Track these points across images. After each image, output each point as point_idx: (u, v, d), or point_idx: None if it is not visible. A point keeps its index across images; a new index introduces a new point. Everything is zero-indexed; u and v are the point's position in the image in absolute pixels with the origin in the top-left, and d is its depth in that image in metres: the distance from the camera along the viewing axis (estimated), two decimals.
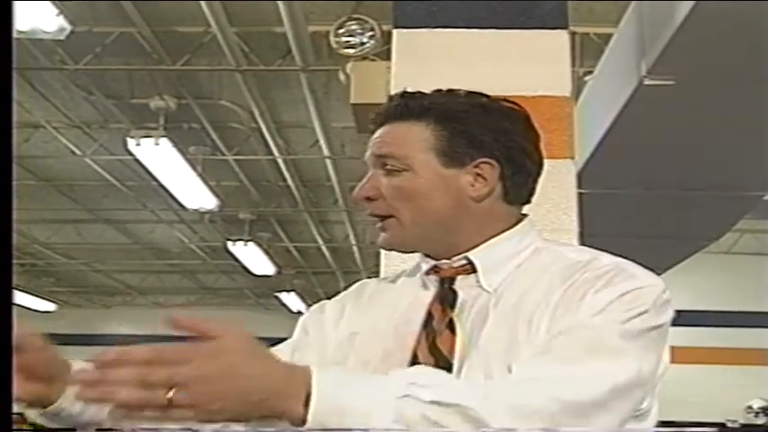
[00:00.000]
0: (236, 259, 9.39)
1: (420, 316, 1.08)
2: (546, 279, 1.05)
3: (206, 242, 9.91)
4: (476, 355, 1.02)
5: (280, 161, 6.98)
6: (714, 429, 9.36)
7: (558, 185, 2.28)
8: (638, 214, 4.46)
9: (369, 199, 1.09)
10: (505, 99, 1.13)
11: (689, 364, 10.04)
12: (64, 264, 11.12)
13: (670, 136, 3.31)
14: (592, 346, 0.95)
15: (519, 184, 1.09)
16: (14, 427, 1.00)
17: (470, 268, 1.09)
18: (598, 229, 2.32)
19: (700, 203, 4.23)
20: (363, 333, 1.13)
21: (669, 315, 1.06)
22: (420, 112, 1.08)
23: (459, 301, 1.06)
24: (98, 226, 9.44)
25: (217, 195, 7.04)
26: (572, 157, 2.32)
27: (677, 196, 4.14)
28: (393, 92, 2.46)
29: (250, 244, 8.81)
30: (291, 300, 12.00)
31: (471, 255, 1.08)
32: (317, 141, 6.28)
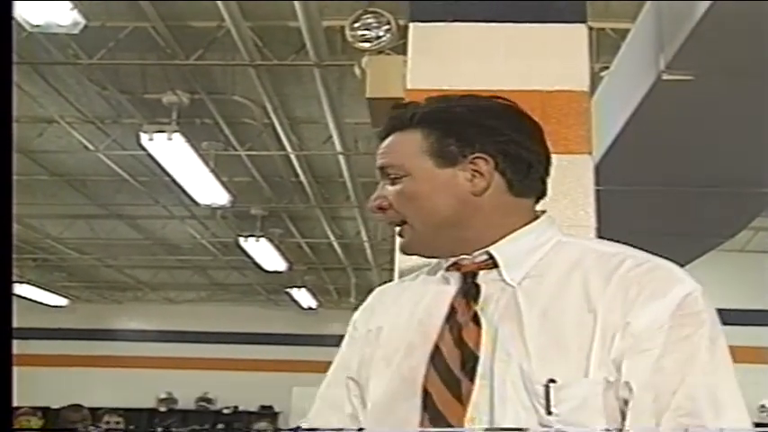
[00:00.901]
0: (247, 255, 9.40)
1: (443, 310, 1.10)
2: (579, 273, 1.08)
3: (217, 238, 9.92)
4: (508, 349, 1.05)
5: (292, 157, 6.97)
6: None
7: (575, 181, 2.25)
8: (652, 211, 4.42)
9: (381, 209, 1.15)
10: (497, 96, 1.19)
11: None
12: (76, 259, 11.16)
13: (687, 132, 3.27)
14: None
15: (521, 176, 1.13)
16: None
17: (492, 263, 1.11)
18: (612, 226, 2.29)
19: (716, 200, 4.19)
20: (387, 328, 1.17)
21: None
22: (411, 121, 1.14)
23: (483, 294, 1.09)
24: (110, 221, 9.47)
25: (229, 191, 7.04)
26: (589, 153, 2.29)
27: (693, 193, 4.10)
28: (409, 86, 2.46)
29: (262, 240, 8.82)
30: (302, 296, 12.00)
31: (492, 249, 1.11)
32: (330, 137, 6.27)
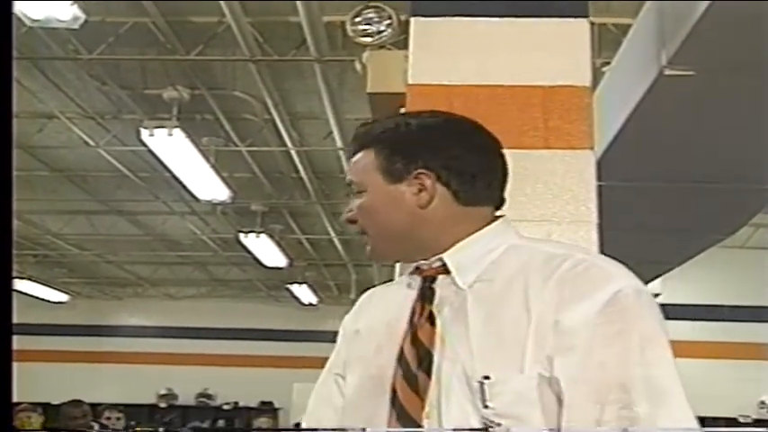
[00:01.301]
0: (247, 251, 9.39)
1: (407, 313, 1.21)
2: (523, 275, 1.15)
3: (218, 234, 9.91)
4: (456, 348, 1.14)
5: (293, 153, 6.97)
6: (727, 429, 9.32)
7: (576, 176, 2.25)
8: (653, 207, 4.42)
9: (351, 221, 1.27)
10: (448, 113, 1.30)
11: (702, 359, 9.99)
12: (76, 255, 11.16)
13: (689, 128, 3.26)
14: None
15: (466, 187, 1.21)
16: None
17: (445, 268, 1.20)
18: (613, 222, 2.29)
19: (717, 197, 4.18)
20: (362, 331, 1.28)
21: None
22: (368, 141, 1.25)
23: (438, 297, 1.19)
24: (110, 217, 9.47)
25: (229, 187, 7.03)
26: (591, 148, 2.29)
27: (694, 189, 4.09)
28: (410, 81, 2.44)
29: (262, 236, 8.81)
30: (303, 292, 12.00)
31: (444, 256, 1.20)
32: (331, 133, 6.26)
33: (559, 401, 1.08)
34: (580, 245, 2.15)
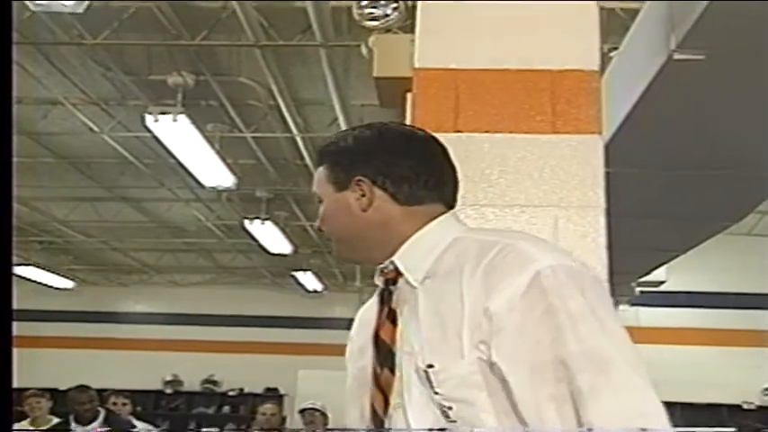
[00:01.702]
0: (252, 238, 9.39)
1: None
2: (459, 266, 1.23)
3: (222, 221, 9.91)
4: (411, 343, 1.23)
5: (298, 139, 6.94)
6: (734, 426, 9.31)
7: (584, 161, 2.22)
8: (659, 194, 4.39)
9: (319, 229, 1.43)
10: (387, 123, 1.43)
11: (707, 346, 9.99)
12: (81, 242, 11.17)
13: (698, 113, 3.23)
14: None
15: (405, 188, 1.32)
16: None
17: (400, 270, 1.31)
18: (618, 209, 2.26)
19: (723, 183, 4.15)
20: (354, 336, 1.41)
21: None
22: (321, 156, 1.40)
23: (395, 297, 1.29)
24: (115, 204, 9.46)
25: (234, 173, 7.01)
26: (599, 133, 2.26)
27: (700, 176, 4.06)
28: (417, 65, 2.42)
29: (267, 223, 8.80)
30: (308, 279, 12.00)
31: (394, 258, 1.31)
32: (336, 119, 6.23)
33: (505, 384, 1.16)
34: (588, 232, 2.14)
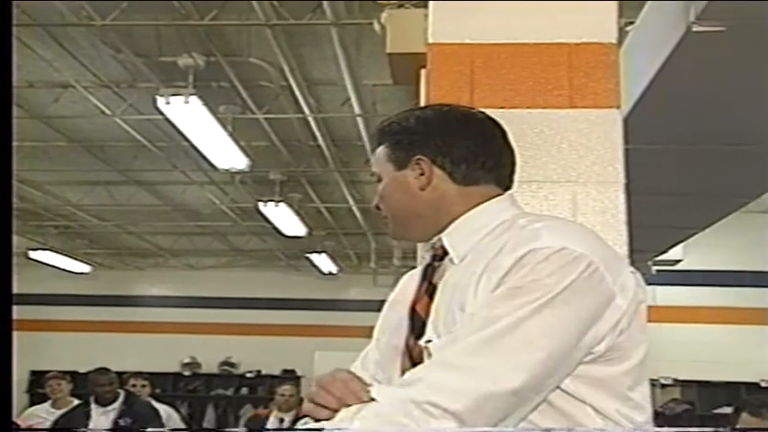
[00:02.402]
0: (267, 220, 9.38)
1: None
2: (493, 247, 1.25)
3: (236, 203, 9.90)
4: (439, 317, 1.27)
5: (310, 120, 6.90)
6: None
7: (602, 136, 2.19)
8: (676, 170, 4.33)
9: (377, 208, 1.45)
10: (447, 105, 1.49)
11: (724, 325, 9.93)
12: (96, 225, 11.20)
13: (717, 87, 3.17)
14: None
15: (460, 168, 1.36)
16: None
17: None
18: (635, 187, 2.22)
19: (743, 159, 4.08)
20: (394, 303, 1.44)
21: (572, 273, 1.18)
22: (381, 136, 1.44)
23: (439, 272, 1.34)
24: (129, 187, 9.47)
25: (247, 155, 6.99)
26: (618, 107, 2.22)
27: (718, 152, 4.00)
28: (430, 40, 2.37)
29: (281, 205, 8.78)
30: (322, 261, 12.01)
31: (442, 235, 1.35)
32: (349, 99, 6.18)
33: None
34: (607, 207, 2.10)
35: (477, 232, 1.32)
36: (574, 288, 1.15)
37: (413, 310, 1.33)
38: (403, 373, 1.29)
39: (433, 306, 1.30)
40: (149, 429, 4.64)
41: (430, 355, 1.23)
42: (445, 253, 1.34)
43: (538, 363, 1.12)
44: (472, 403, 1.09)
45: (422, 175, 1.37)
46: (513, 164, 1.42)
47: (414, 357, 1.29)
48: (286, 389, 6.00)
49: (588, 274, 1.16)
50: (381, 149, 1.43)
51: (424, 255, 1.44)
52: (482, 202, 1.35)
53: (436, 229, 1.36)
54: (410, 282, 1.44)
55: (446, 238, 1.34)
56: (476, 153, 1.37)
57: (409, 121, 1.41)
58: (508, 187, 1.40)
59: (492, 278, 1.19)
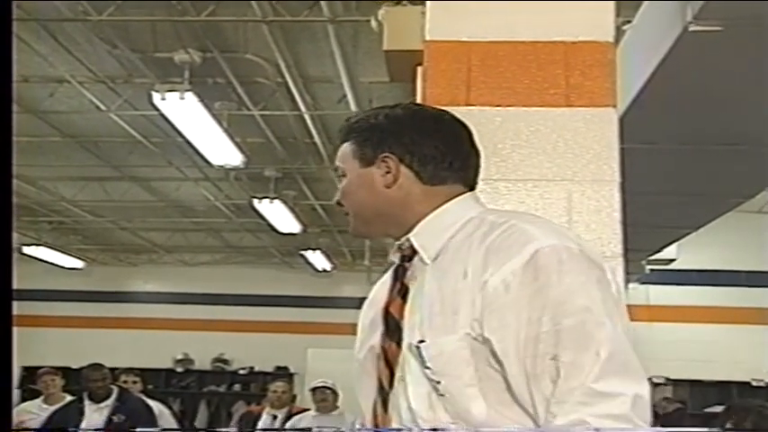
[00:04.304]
0: (261, 217, 9.37)
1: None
2: (467, 245, 1.27)
3: (231, 200, 9.89)
4: (415, 318, 1.26)
5: (306, 117, 6.89)
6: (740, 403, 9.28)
7: (598, 135, 2.18)
8: (670, 170, 4.33)
9: (338, 204, 1.43)
10: (416, 103, 1.61)
11: (717, 324, 9.96)
12: (91, 221, 11.18)
13: (714, 86, 3.17)
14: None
15: (427, 168, 1.36)
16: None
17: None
18: (630, 186, 2.22)
19: (738, 159, 4.09)
20: (367, 311, 1.42)
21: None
22: (348, 132, 1.42)
23: (409, 273, 1.34)
24: (123, 183, 9.45)
25: (242, 152, 6.97)
26: (614, 106, 2.22)
27: (712, 151, 4.01)
28: (428, 38, 2.37)
29: (276, 201, 8.77)
30: (317, 258, 11.99)
31: (410, 235, 1.35)
32: (345, 96, 6.18)
33: (497, 359, 1.19)
34: (602, 206, 2.10)
35: (446, 231, 1.32)
36: (601, 280, 1.22)
37: (386, 312, 1.33)
38: (379, 375, 1.30)
39: (408, 307, 1.29)
40: (145, 430, 4.64)
41: (421, 355, 1.22)
42: (414, 253, 1.34)
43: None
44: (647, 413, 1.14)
45: (388, 173, 1.37)
46: (478, 165, 1.43)
47: (389, 359, 1.29)
48: (279, 386, 6.00)
49: (600, 270, 1.24)
50: (347, 146, 1.42)
51: (391, 256, 1.42)
52: (446, 201, 1.36)
53: (398, 227, 1.36)
54: (382, 288, 1.43)
55: (415, 239, 1.34)
56: (444, 153, 1.38)
57: (378, 119, 1.40)
58: (472, 187, 1.42)
59: (498, 285, 1.20)
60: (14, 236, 10.81)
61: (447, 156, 1.38)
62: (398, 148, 1.37)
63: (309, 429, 5.55)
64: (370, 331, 1.36)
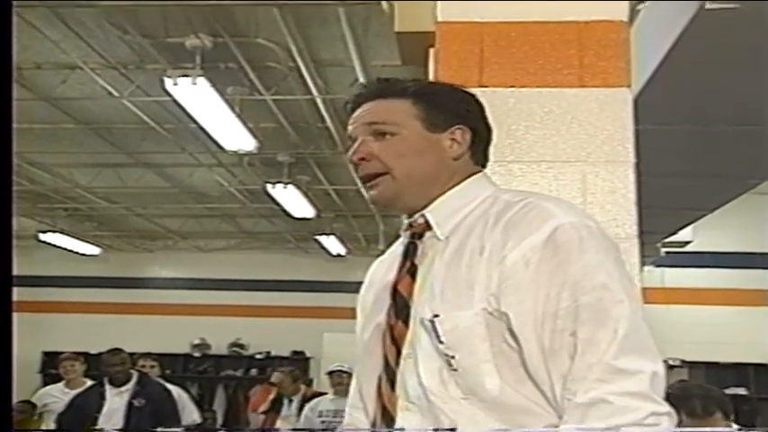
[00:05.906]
0: (275, 202, 9.38)
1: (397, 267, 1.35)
2: (483, 222, 1.27)
3: (245, 185, 9.90)
4: (425, 296, 1.26)
5: (318, 101, 6.87)
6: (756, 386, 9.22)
7: (612, 115, 2.16)
8: (686, 151, 4.29)
9: (363, 159, 1.34)
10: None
11: (733, 306, 9.90)
12: (105, 208, 11.23)
13: (729, 66, 3.13)
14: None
15: (481, 149, 1.40)
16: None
17: (429, 224, 1.34)
18: (645, 168, 2.20)
19: (754, 139, 4.04)
20: (369, 293, 1.42)
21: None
22: (399, 92, 1.36)
23: (420, 250, 1.33)
24: (137, 170, 9.48)
25: (255, 137, 6.97)
26: (628, 86, 2.19)
27: (728, 132, 3.96)
28: (440, 18, 2.34)
29: (289, 187, 8.77)
30: (331, 243, 12.01)
31: (426, 211, 1.34)
32: (357, 80, 6.15)
33: (513, 334, 1.19)
34: (617, 187, 2.08)
35: (463, 208, 1.32)
36: (618, 259, 1.24)
37: (395, 290, 1.31)
38: (385, 352, 1.29)
39: (417, 285, 1.29)
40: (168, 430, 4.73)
41: (435, 330, 1.22)
42: (425, 230, 1.33)
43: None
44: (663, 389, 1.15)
45: (455, 144, 1.36)
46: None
47: (395, 337, 1.28)
48: (278, 376, 6.26)
49: (616, 249, 1.26)
50: (402, 104, 1.35)
51: (401, 233, 1.41)
52: (464, 179, 1.37)
53: (425, 200, 1.34)
54: (379, 268, 1.44)
55: (431, 215, 1.33)
56: (490, 138, 1.43)
57: (453, 89, 1.42)
58: (484, 165, 1.43)
59: (518, 260, 1.20)
60: (31, 223, 10.89)
61: (490, 139, 1.43)
62: (470, 123, 1.38)
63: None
64: (376, 310, 1.36)
